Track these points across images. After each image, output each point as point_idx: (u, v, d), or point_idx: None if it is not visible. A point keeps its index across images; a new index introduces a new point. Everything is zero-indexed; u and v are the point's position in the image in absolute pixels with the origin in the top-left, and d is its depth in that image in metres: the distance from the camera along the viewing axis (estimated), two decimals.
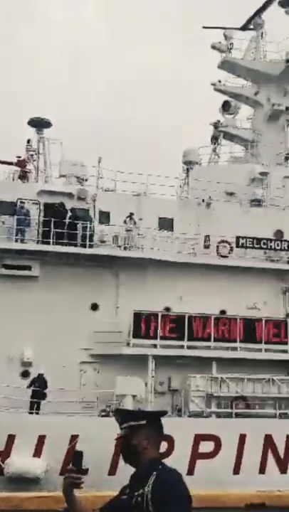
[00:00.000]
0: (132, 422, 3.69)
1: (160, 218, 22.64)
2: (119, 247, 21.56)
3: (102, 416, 18.91)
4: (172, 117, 58.74)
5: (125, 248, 21.53)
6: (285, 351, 21.62)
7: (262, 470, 19.36)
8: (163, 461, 3.64)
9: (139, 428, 3.67)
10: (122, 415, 3.79)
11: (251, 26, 27.10)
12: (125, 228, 21.69)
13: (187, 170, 24.52)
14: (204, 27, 27.16)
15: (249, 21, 27.00)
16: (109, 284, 21.40)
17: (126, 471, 3.88)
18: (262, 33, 26.82)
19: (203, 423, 19.64)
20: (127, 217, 21.88)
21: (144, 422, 3.69)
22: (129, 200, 22.53)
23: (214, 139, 26.10)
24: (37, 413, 18.76)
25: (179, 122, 56.88)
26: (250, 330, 21.39)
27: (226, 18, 27.19)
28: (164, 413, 3.91)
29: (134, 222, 21.88)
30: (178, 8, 59.95)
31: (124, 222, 21.79)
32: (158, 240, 21.94)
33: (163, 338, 20.65)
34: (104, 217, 22.12)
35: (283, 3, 26.44)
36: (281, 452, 19.63)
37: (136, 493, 3.47)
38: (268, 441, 19.52)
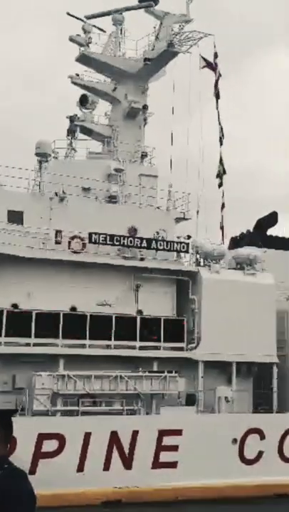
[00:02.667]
0: None
1: (9, 211, 21.78)
2: None
3: None
4: (39, 108, 57.84)
5: None
6: (133, 348, 21.76)
7: (106, 467, 19.30)
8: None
9: None
10: None
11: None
12: None
13: (40, 162, 23.77)
14: (69, 14, 26.25)
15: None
16: None
17: None
18: (121, 30, 26.78)
19: (47, 422, 19.17)
20: None
21: None
22: None
23: (71, 133, 25.60)
24: None
25: (45, 113, 56.14)
26: (99, 327, 21.24)
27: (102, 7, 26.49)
28: (13, 412, 4.18)
29: None
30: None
31: None
32: (6, 234, 21.02)
33: (8, 335, 19.88)
34: None
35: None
36: (126, 448, 19.67)
37: None
38: (114, 438, 19.47)
